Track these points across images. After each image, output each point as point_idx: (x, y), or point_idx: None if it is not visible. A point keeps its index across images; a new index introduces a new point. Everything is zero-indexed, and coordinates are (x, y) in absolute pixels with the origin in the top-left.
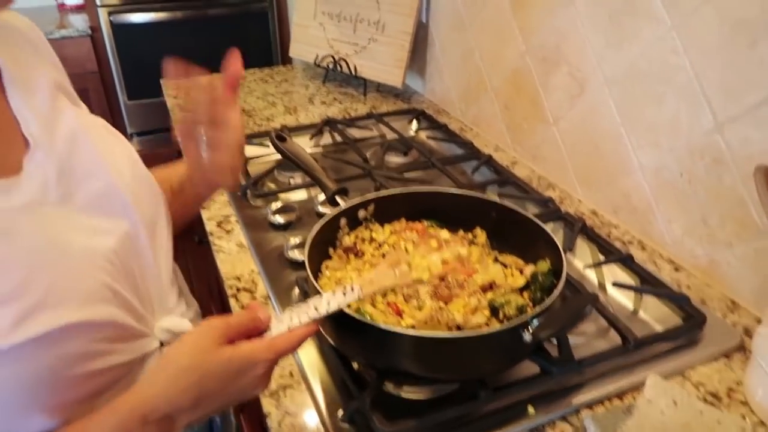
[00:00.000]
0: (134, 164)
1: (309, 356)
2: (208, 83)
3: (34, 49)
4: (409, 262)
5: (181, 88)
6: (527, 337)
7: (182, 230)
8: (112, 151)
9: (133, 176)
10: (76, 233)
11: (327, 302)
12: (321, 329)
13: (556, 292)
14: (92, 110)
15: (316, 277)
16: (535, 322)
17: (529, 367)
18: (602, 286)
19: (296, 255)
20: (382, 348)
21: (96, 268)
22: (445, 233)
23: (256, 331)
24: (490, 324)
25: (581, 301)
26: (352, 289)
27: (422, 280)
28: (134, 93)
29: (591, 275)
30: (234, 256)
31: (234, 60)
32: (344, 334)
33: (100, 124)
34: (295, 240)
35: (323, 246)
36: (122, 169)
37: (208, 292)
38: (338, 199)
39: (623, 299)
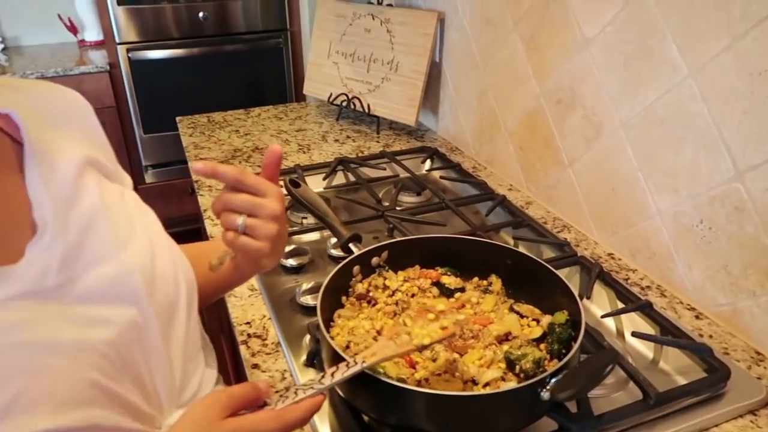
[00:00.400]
0: (158, 245)
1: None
2: (238, 172)
3: (74, 123)
4: (408, 332)
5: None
6: (545, 395)
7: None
8: (134, 233)
9: (153, 259)
10: (66, 325)
11: (330, 375)
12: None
13: (575, 349)
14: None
15: (328, 326)
16: (553, 380)
17: (546, 424)
18: (621, 333)
19: (308, 300)
20: (394, 404)
21: (82, 365)
22: (441, 304)
23: (260, 401)
24: (506, 378)
25: (603, 359)
26: (355, 362)
27: (424, 344)
28: (150, 127)
29: (609, 322)
30: (245, 300)
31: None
32: (356, 388)
33: (131, 201)
34: (306, 285)
35: (335, 294)
36: (141, 252)
37: (218, 323)
38: (351, 246)
39: (643, 348)
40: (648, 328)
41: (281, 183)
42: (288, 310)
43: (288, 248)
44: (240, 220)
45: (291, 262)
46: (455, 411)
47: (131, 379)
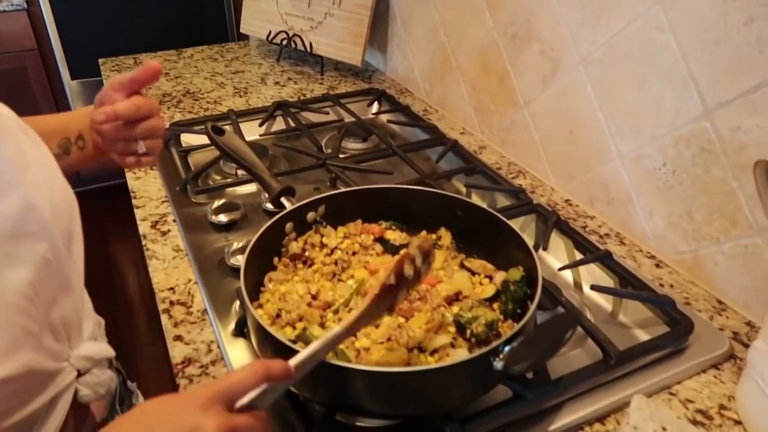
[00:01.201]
0: (51, 170)
1: None
2: (134, 107)
3: None
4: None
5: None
6: (498, 365)
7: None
8: (26, 159)
9: (51, 186)
10: None
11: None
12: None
13: (531, 311)
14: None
15: (257, 292)
16: (507, 348)
17: (500, 392)
18: (578, 285)
19: (238, 261)
20: (329, 383)
21: (11, 311)
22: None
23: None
24: (456, 344)
25: (562, 324)
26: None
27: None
28: (78, 71)
29: (566, 274)
30: (169, 263)
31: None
32: None
33: (12, 121)
34: (237, 244)
35: (266, 255)
36: (41, 181)
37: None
38: (284, 200)
39: (601, 300)
40: (607, 279)
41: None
42: (217, 272)
43: (218, 202)
44: (141, 147)
45: (221, 218)
46: (399, 388)
47: (46, 317)
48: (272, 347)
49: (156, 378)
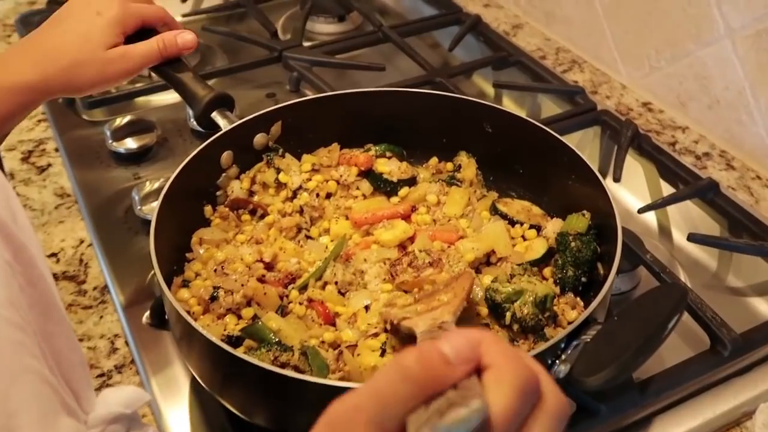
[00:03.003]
0: None
1: (177, 404)
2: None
3: None
4: None
5: None
6: (561, 370)
7: None
8: None
9: None
10: None
11: None
12: (191, 368)
13: (607, 285)
14: None
15: (182, 261)
16: (573, 345)
17: None
18: (665, 232)
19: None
20: (294, 404)
21: (11, 348)
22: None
23: None
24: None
25: (661, 304)
26: None
27: None
28: None
29: (648, 215)
30: (50, 215)
31: None
32: (223, 376)
33: None
34: (152, 184)
35: (192, 202)
36: None
37: None
38: (216, 116)
39: (701, 255)
40: (710, 223)
41: None
42: (122, 229)
43: (122, 120)
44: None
45: (128, 143)
46: None
47: (44, 358)
48: (203, 352)
49: None
